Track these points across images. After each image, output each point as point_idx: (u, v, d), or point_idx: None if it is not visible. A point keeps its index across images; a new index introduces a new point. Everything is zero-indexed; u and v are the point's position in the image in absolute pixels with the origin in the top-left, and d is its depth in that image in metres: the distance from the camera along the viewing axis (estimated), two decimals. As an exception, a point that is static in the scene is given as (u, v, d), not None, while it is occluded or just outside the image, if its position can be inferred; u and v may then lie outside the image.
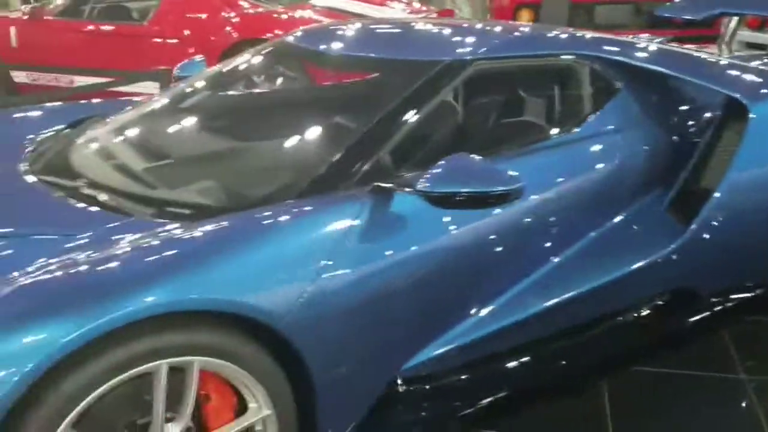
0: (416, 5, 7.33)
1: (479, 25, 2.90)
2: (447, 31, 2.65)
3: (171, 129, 2.54)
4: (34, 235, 1.87)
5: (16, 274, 1.65)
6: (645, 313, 2.44)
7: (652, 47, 2.80)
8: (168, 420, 1.61)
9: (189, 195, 2.04)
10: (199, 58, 3.24)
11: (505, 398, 2.20)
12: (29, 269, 1.67)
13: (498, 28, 2.72)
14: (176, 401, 1.61)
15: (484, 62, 2.30)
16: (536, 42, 2.63)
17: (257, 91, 2.84)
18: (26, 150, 2.50)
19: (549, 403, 2.33)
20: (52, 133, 2.65)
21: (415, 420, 2.07)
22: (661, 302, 2.46)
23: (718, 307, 2.54)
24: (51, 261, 1.71)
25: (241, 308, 1.63)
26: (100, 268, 1.63)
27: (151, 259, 1.67)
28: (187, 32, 5.54)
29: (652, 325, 2.43)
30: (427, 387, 2.09)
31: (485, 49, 2.36)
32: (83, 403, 1.48)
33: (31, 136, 2.65)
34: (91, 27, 5.84)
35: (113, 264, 1.65)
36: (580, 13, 6.29)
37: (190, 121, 2.56)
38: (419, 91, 2.15)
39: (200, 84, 2.72)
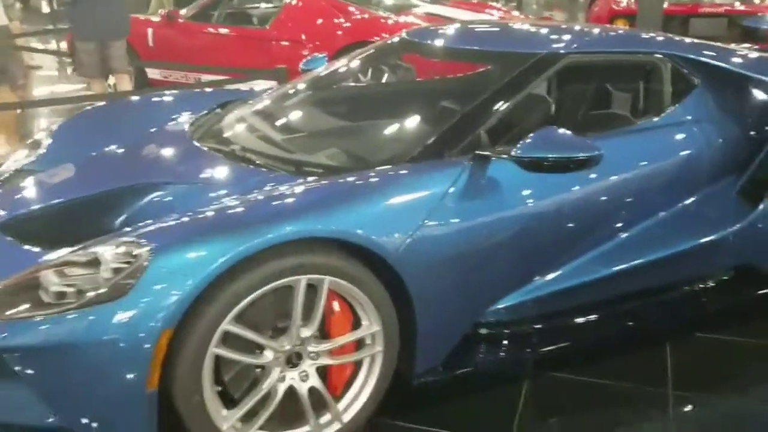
0: (515, 13, 7.69)
1: (571, 26, 3.25)
2: (543, 29, 3.03)
3: (303, 109, 3.02)
4: (205, 184, 2.38)
5: (193, 210, 2.15)
6: (711, 284, 2.72)
7: (729, 50, 3.06)
8: (301, 326, 2.06)
9: (320, 158, 2.50)
10: (320, 54, 3.71)
11: (574, 348, 2.53)
12: (202, 207, 2.15)
13: (588, 28, 3.06)
14: (308, 312, 2.05)
15: (575, 56, 2.65)
16: (623, 40, 2.97)
17: (376, 79, 3.29)
18: (179, 124, 3.03)
19: (613, 355, 2.63)
20: (205, 112, 3.17)
21: (495, 359, 2.42)
22: (726, 277, 2.73)
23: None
24: (216, 202, 2.20)
25: (358, 239, 2.03)
26: (251, 206, 2.10)
27: (289, 200, 2.12)
28: (303, 36, 6.12)
29: (717, 295, 2.70)
30: (506, 332, 2.44)
31: (577, 44, 2.72)
32: (243, 303, 1.93)
33: (176, 115, 3.17)
34: (218, 30, 6.53)
35: (261, 204, 2.11)
36: (675, 25, 6.45)
37: (318, 103, 3.05)
38: (517, 78, 2.52)
39: (326, 73, 3.21)
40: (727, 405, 2.44)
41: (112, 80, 6.18)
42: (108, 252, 1.92)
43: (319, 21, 6.17)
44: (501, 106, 2.46)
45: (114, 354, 1.81)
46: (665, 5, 6.24)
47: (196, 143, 2.72)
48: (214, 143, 2.69)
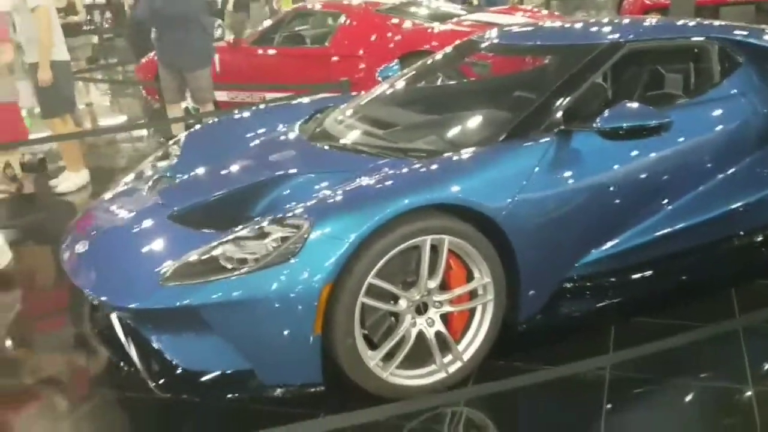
0: (545, 12, 8.12)
1: (625, 19, 3.68)
2: (602, 22, 3.46)
3: (395, 107, 3.48)
4: (329, 172, 2.82)
5: (326, 192, 2.59)
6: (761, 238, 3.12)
7: (761, 29, 3.44)
8: (427, 279, 2.48)
9: (422, 144, 2.95)
10: (394, 63, 4.18)
11: (648, 297, 2.92)
12: (331, 190, 2.59)
13: (639, 20, 3.49)
14: (432, 268, 2.48)
15: (634, 43, 3.06)
16: (673, 27, 3.39)
17: (460, 75, 3.75)
18: (286, 130, 3.50)
19: (685, 302, 3.03)
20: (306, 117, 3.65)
21: (579, 309, 2.82)
22: None
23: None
24: (344, 184, 2.64)
25: (471, 204, 2.46)
26: (374, 186, 2.53)
27: (405, 179, 2.55)
28: (361, 51, 6.63)
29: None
30: (588, 284, 2.84)
31: (633, 34, 3.14)
32: (383, 260, 2.37)
33: (279, 124, 3.61)
34: (280, 52, 7.06)
35: (380, 183, 2.53)
36: (706, 15, 6.80)
37: (407, 101, 3.51)
38: (587, 66, 2.94)
39: (409, 75, 3.66)
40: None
41: (183, 105, 6.73)
42: (274, 226, 2.38)
43: (373, 37, 6.67)
44: (573, 91, 2.88)
45: (289, 304, 2.26)
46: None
47: (310, 142, 3.19)
48: (326, 141, 3.15)
